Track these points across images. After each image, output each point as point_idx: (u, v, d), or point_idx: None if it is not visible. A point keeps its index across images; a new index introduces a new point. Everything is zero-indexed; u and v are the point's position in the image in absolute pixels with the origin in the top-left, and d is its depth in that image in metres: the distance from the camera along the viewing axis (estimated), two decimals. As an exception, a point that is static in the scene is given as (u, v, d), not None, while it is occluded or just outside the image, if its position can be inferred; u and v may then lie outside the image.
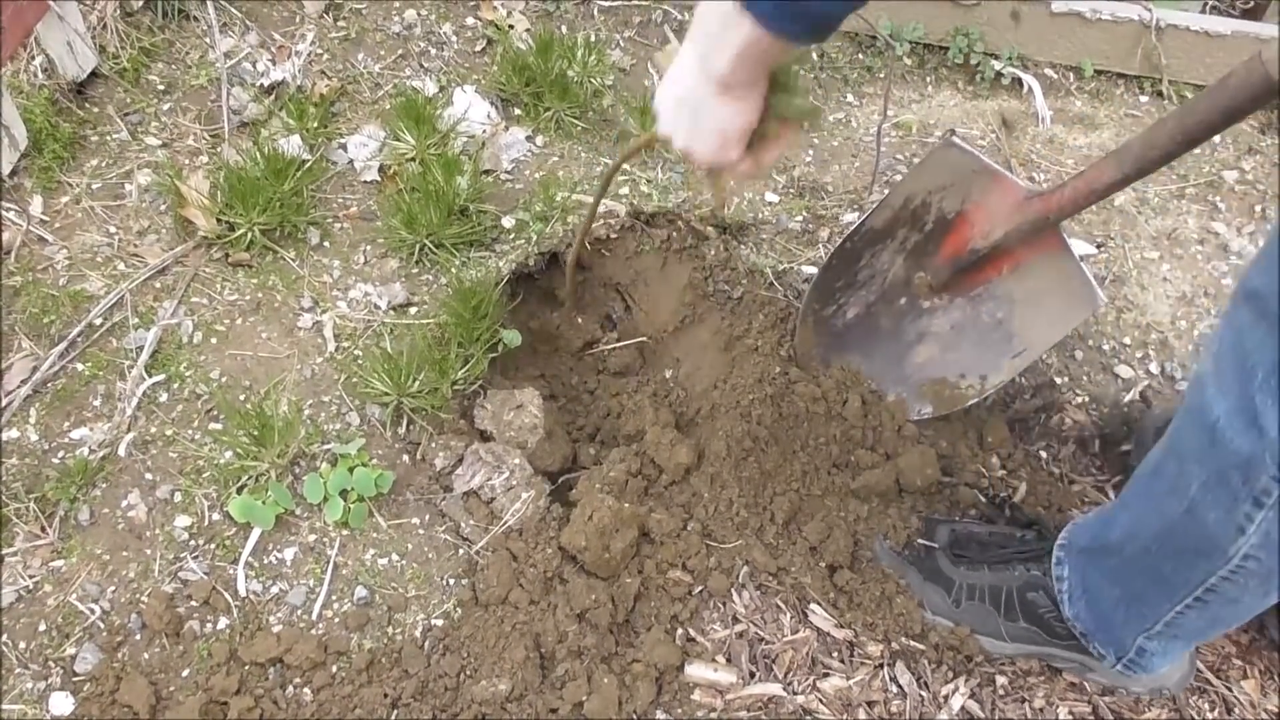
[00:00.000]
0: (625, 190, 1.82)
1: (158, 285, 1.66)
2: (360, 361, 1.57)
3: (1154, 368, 1.69)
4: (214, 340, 1.60)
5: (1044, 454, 1.59)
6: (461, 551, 1.42)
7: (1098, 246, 1.83)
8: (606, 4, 2.12)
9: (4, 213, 1.68)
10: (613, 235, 1.76)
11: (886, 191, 1.56)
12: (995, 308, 1.48)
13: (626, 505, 1.37)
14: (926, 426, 1.55)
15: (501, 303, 1.62)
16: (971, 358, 1.51)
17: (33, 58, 1.80)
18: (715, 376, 1.61)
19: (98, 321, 1.60)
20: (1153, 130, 1.23)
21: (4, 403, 1.50)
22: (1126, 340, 1.71)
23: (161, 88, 1.90)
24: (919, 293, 1.54)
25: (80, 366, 1.56)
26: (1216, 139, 2.01)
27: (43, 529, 1.41)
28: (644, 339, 1.74)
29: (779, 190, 1.88)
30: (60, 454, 1.48)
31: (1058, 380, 1.66)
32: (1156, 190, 1.93)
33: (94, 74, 1.85)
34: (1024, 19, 2.01)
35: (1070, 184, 1.33)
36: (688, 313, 1.71)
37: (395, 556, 1.42)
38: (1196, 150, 1.98)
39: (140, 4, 1.95)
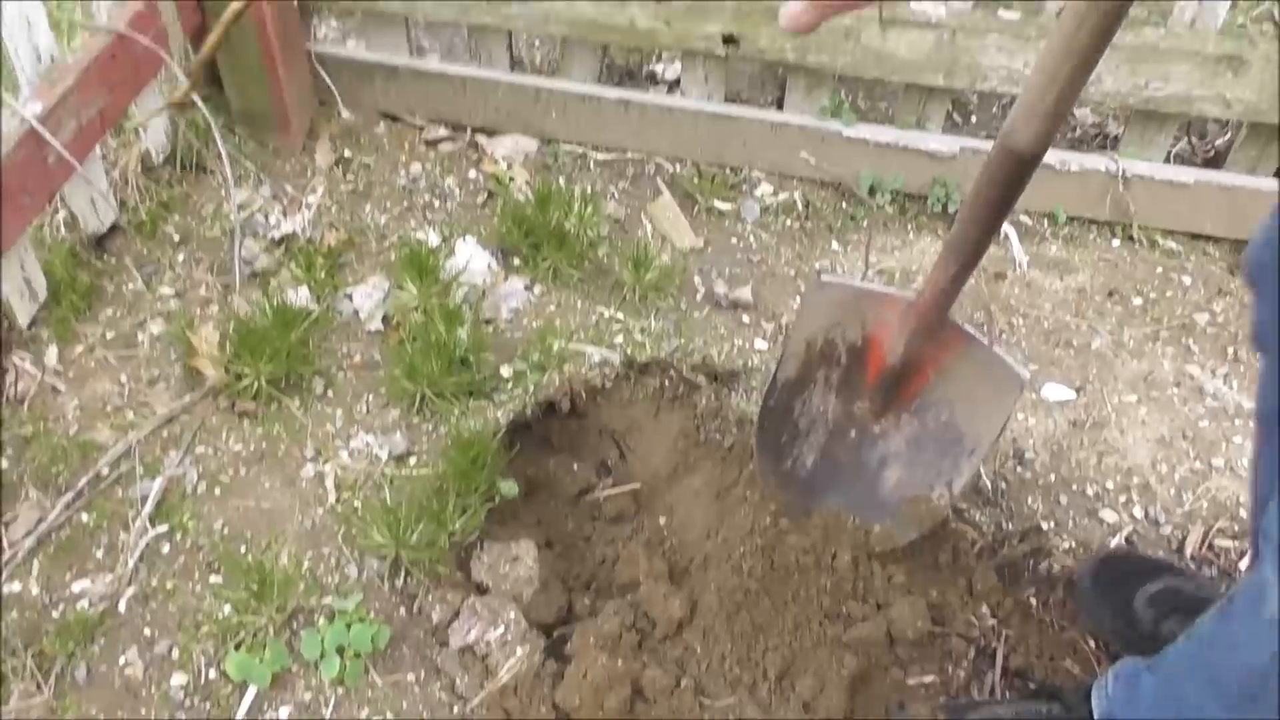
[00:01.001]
0: (620, 339, 1.81)
1: (165, 435, 1.63)
2: (360, 513, 1.54)
3: (1137, 511, 1.66)
4: (218, 491, 1.57)
5: (1034, 600, 1.55)
6: (456, 709, 1.37)
7: (1076, 391, 1.82)
8: (602, 157, 2.15)
9: (20, 364, 1.67)
10: (607, 383, 1.74)
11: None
12: (938, 412, 1.46)
13: (620, 662, 1.32)
14: (915, 574, 1.51)
15: (499, 453, 1.60)
16: (934, 467, 1.48)
17: (56, 211, 1.82)
18: (708, 526, 1.57)
19: (105, 471, 1.57)
20: (957, 224, 1.24)
21: (7, 556, 1.46)
22: (1109, 484, 1.68)
23: (177, 239, 1.91)
24: (866, 421, 1.52)
25: (85, 517, 1.53)
26: (1187, 280, 2.01)
27: (39, 686, 1.36)
28: (638, 486, 1.71)
29: (767, 337, 1.87)
30: (61, 607, 1.44)
31: (1044, 525, 1.63)
32: (1131, 333, 1.92)
33: (113, 227, 1.86)
34: (998, 171, 2.02)
35: (926, 285, 1.33)
36: (680, 460, 1.68)
37: (389, 715, 1.36)
38: (1169, 293, 1.99)
39: (161, 160, 1.97)
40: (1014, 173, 1.16)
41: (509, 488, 1.59)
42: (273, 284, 1.85)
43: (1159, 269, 2.04)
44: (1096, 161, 2.01)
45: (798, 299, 1.93)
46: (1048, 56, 1.08)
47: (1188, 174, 1.99)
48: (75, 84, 1.57)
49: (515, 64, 2.17)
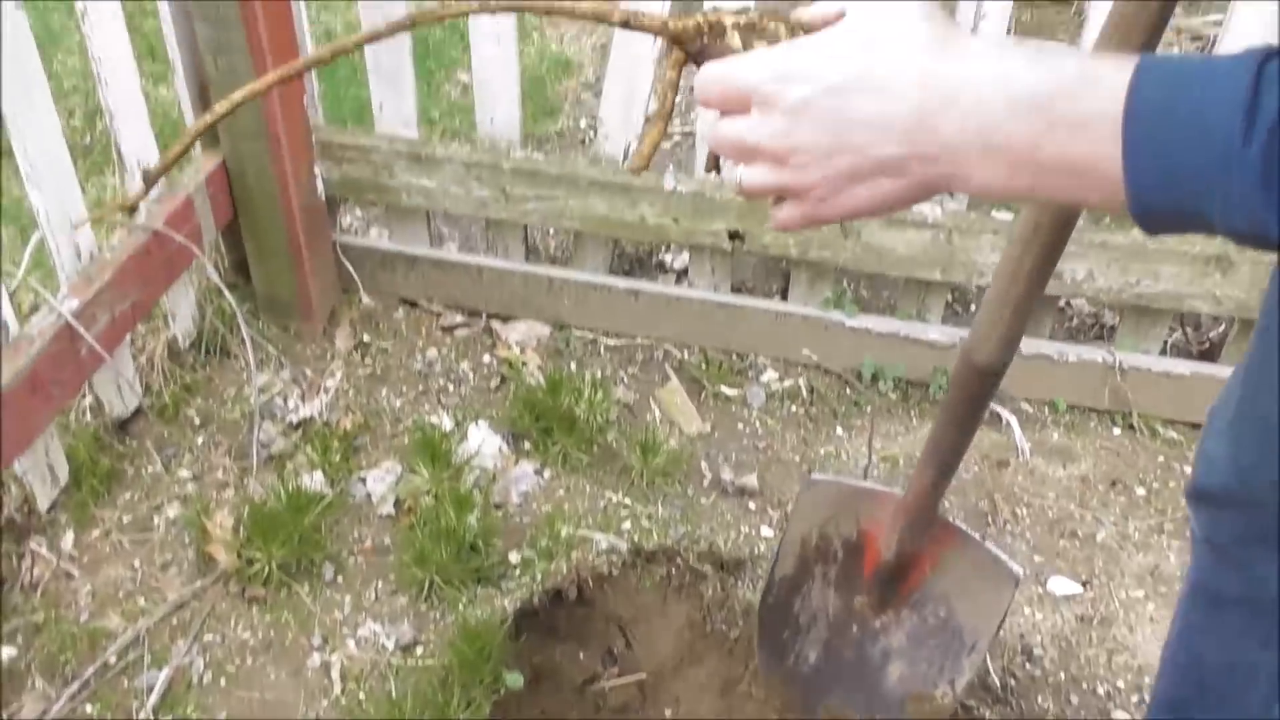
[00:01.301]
0: (627, 525, 1.82)
1: (175, 621, 1.64)
2: (364, 705, 1.52)
3: (1148, 711, 1.64)
4: (224, 681, 1.57)
5: (1046, 804, 1.51)
6: None
7: (1083, 584, 1.81)
8: (613, 343, 2.21)
9: (37, 549, 1.69)
10: (614, 571, 1.74)
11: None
12: (936, 608, 1.45)
13: None
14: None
15: (505, 643, 1.59)
16: (937, 664, 1.47)
17: (83, 397, 1.87)
18: (714, 724, 1.55)
19: (112, 660, 1.57)
20: (933, 431, 1.27)
21: (9, 750, 1.45)
22: (1120, 684, 1.66)
23: (198, 422, 1.95)
24: (866, 616, 1.52)
25: (90, 708, 1.52)
26: (1189, 470, 2.02)
27: None
28: (643, 676, 1.70)
29: (773, 524, 1.88)
30: (58, 806, 1.42)
31: (1054, 725, 1.60)
32: (1136, 525, 1.93)
33: (136, 410, 1.91)
34: (998, 361, 2.07)
35: (910, 487, 1.35)
36: (686, 651, 1.68)
37: None
38: (1171, 483, 2.01)
39: (187, 345, 2.03)
40: (979, 386, 1.21)
41: (514, 679, 1.58)
42: (288, 467, 1.88)
43: (1160, 458, 2.06)
44: (1093, 353, 2.05)
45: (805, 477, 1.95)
46: (998, 279, 1.14)
47: (1184, 366, 2.04)
48: (111, 280, 1.64)
49: (530, 252, 2.26)
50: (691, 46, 0.68)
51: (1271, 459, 0.99)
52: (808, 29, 0.64)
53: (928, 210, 1.95)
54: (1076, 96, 0.54)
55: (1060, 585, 1.81)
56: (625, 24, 0.70)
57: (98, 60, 1.59)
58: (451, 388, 2.10)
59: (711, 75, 0.65)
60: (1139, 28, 0.92)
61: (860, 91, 0.59)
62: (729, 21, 0.67)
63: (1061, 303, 2.23)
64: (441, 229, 2.37)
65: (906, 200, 0.62)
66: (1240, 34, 1.69)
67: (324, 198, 2.05)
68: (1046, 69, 0.55)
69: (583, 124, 2.86)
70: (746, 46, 0.66)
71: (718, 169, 0.76)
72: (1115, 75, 0.53)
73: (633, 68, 1.94)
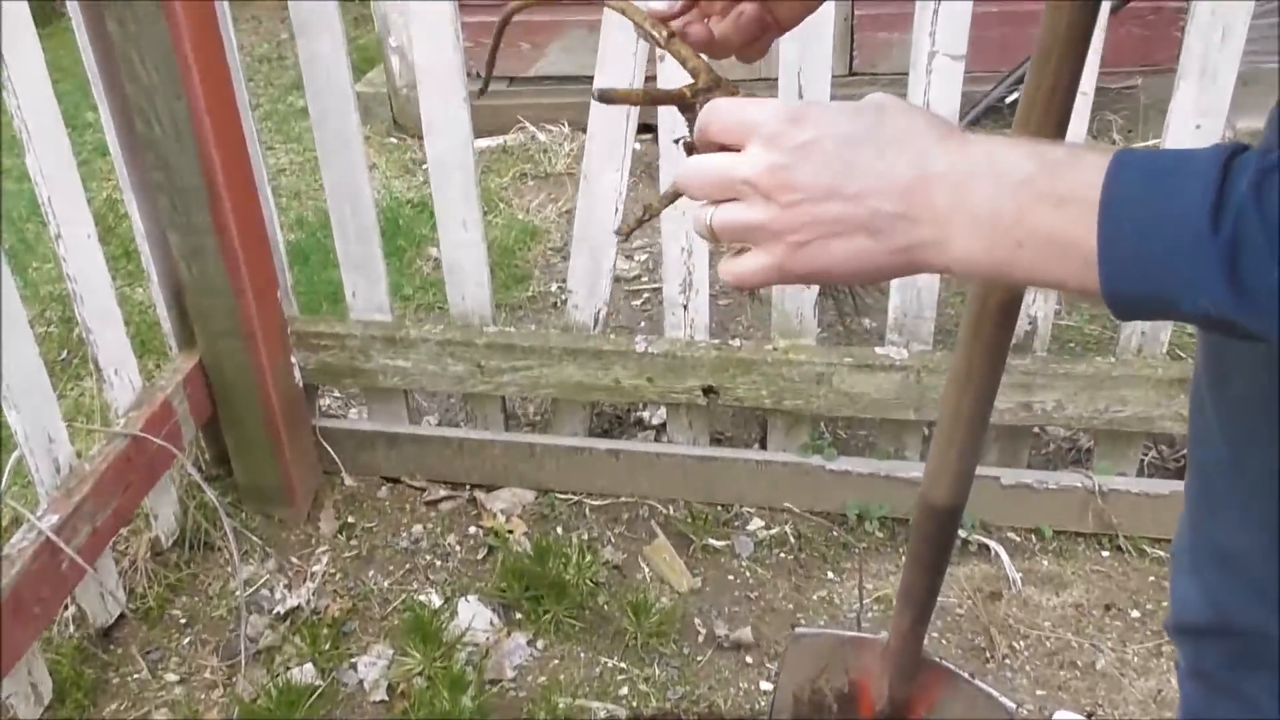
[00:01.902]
0: (625, 690, 1.78)
1: (165, 838, 1.58)
2: None
3: None
4: None
5: None
6: None
7: (1088, 716, 1.78)
8: (597, 503, 2.20)
9: (20, 772, 1.63)
10: (615, 744, 1.70)
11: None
12: None
13: None
14: None
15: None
16: None
17: (66, 608, 1.84)
18: None
19: None
20: (903, 575, 1.27)
21: None
22: (1137, 822, 1.62)
23: (183, 621, 1.92)
24: None
25: None
26: (1181, 588, 2.01)
27: None
28: None
29: (771, 678, 1.85)
30: None
31: None
32: (1134, 649, 1.90)
33: (120, 616, 1.88)
34: (978, 492, 2.08)
35: (890, 634, 1.33)
36: (694, 826, 1.62)
37: None
38: (1164, 603, 1.99)
39: (170, 543, 2.01)
40: (940, 526, 1.22)
41: None
42: (277, 660, 1.84)
43: (1151, 578, 2.04)
44: (1072, 479, 2.06)
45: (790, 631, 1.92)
46: (940, 421, 1.15)
47: (1162, 485, 2.04)
48: (91, 490, 1.64)
49: (510, 418, 2.27)
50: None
51: (1241, 593, 0.99)
52: None
53: (894, 353, 1.98)
54: (1059, 176, 0.56)
55: (1063, 716, 1.77)
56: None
57: (73, 278, 1.62)
58: (439, 563, 2.08)
59: (722, 106, 0.65)
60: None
61: (867, 145, 0.61)
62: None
63: (1036, 429, 2.25)
64: (420, 403, 2.39)
65: (880, 267, 0.62)
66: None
67: (301, 385, 2.07)
68: (1033, 152, 0.58)
69: (553, 288, 2.91)
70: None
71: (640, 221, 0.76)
72: (1096, 159, 0.56)
73: (596, 237, 1.99)
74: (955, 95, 1.79)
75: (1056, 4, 0.92)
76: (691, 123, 0.71)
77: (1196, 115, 1.74)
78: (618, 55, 1.82)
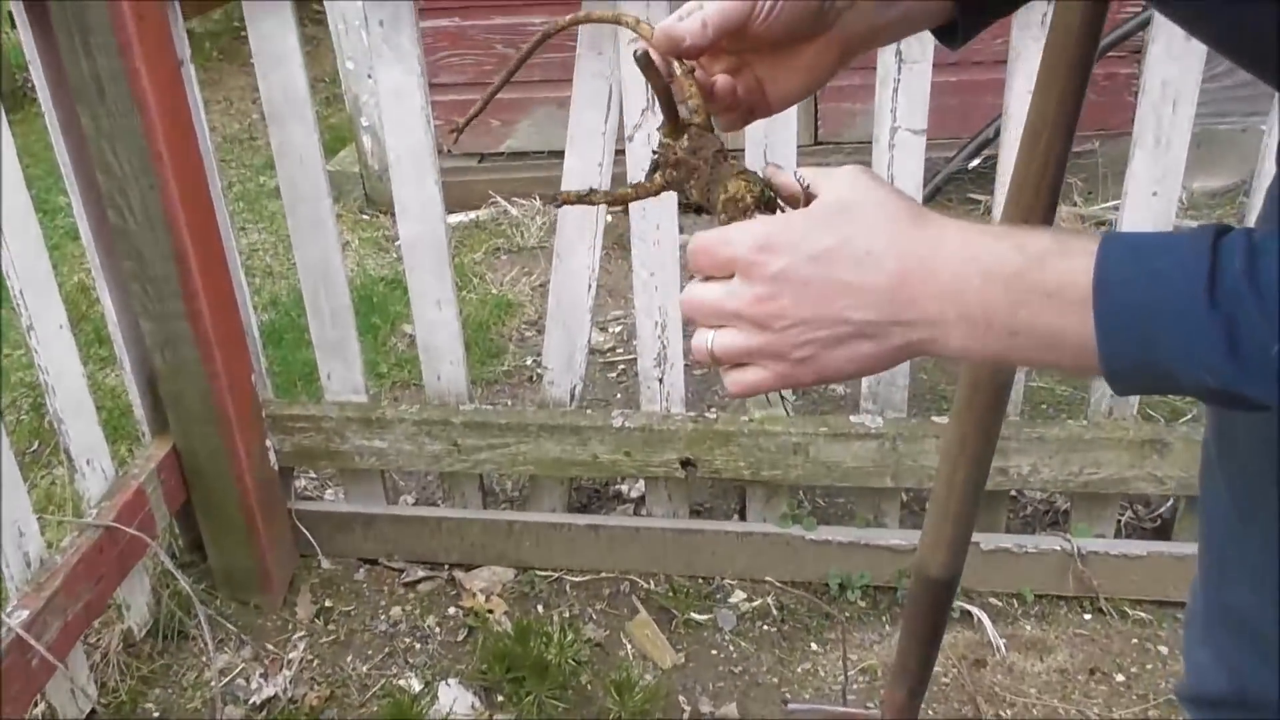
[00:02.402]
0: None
1: None
2: None
3: None
4: None
5: None
6: None
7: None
8: (578, 579, 2.18)
9: None
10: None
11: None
12: None
13: None
14: None
15: None
16: None
17: (35, 705, 1.79)
18: None
19: None
20: (899, 647, 1.26)
21: None
22: None
23: (157, 715, 1.87)
24: None
25: None
26: (1164, 650, 2.01)
27: None
28: None
29: (759, 758, 1.82)
30: None
31: None
32: (1121, 714, 1.89)
33: (91, 711, 1.83)
34: (960, 559, 2.07)
35: (884, 708, 1.33)
36: None
37: None
38: (1149, 665, 1.98)
39: (143, 634, 1.97)
40: (935, 597, 1.22)
41: None
42: (254, 755, 1.80)
43: (1134, 640, 2.04)
44: (1051, 542, 2.06)
45: (783, 708, 1.90)
46: (935, 494, 1.16)
47: (1139, 546, 2.05)
48: (62, 584, 1.61)
49: (488, 495, 2.25)
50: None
51: (1257, 661, 0.98)
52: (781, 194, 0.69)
53: (869, 421, 1.99)
54: (1047, 268, 0.57)
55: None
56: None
57: (45, 370, 1.61)
58: (418, 646, 2.05)
59: (700, 242, 0.66)
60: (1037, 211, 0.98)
61: (840, 261, 0.61)
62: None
63: (1013, 492, 2.25)
64: (398, 482, 2.37)
65: (885, 364, 0.64)
66: (1134, 218, 1.80)
67: (277, 469, 2.05)
68: (1016, 243, 0.59)
69: (529, 362, 2.92)
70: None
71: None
72: (1082, 246, 0.56)
73: (570, 314, 2.00)
74: (918, 168, 1.82)
75: (1045, 86, 0.94)
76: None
77: (1152, 182, 1.77)
78: (587, 134, 1.85)
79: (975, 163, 3.42)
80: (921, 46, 1.71)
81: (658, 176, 0.72)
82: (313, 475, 2.43)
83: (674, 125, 0.73)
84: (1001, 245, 0.59)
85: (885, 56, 1.72)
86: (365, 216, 3.89)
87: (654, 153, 0.73)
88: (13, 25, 1.59)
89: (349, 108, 3.95)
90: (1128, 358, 0.56)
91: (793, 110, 1.78)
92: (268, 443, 2.01)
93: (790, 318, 0.62)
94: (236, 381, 1.88)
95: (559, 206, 0.74)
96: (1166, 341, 0.54)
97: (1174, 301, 0.54)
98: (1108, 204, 3.27)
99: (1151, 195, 1.78)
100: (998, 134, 1.79)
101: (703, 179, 0.71)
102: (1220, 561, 0.99)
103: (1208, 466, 0.98)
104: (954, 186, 3.50)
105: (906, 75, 1.72)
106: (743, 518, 2.21)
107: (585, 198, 0.75)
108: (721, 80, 0.78)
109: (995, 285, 0.58)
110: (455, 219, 3.68)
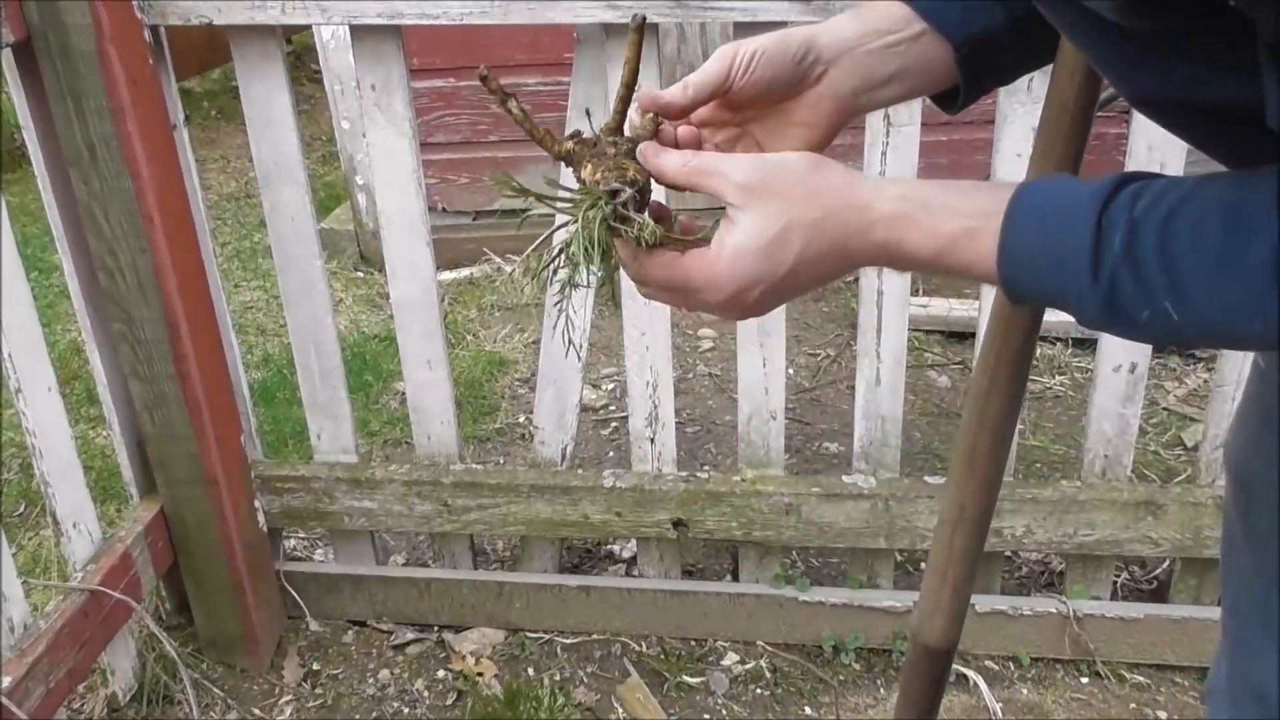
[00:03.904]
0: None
1: None
2: None
3: None
4: None
5: None
6: None
7: None
8: (568, 641, 2.15)
9: None
10: None
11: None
12: None
13: None
14: None
15: None
16: None
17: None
18: None
19: None
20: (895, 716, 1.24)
21: None
22: None
23: (138, 784, 1.84)
24: None
25: None
26: (1162, 715, 1.98)
27: None
28: None
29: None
30: None
31: None
32: (1120, 780, 1.86)
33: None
34: (954, 621, 2.05)
35: None
36: None
37: None
38: (1147, 730, 1.95)
39: (127, 699, 1.94)
40: (933, 665, 1.19)
41: None
42: (236, 824, 1.76)
43: (1132, 705, 2.01)
44: (1047, 604, 2.04)
45: (778, 778, 1.87)
46: (933, 559, 1.14)
47: (1136, 609, 2.03)
48: (46, 650, 1.58)
49: (479, 554, 2.23)
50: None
51: None
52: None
53: (862, 481, 1.98)
54: (959, 251, 0.68)
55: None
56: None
57: (32, 433, 1.60)
58: (407, 710, 2.02)
59: (651, 276, 0.75)
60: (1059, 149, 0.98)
61: (790, 277, 0.71)
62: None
63: (1007, 552, 2.24)
64: (387, 541, 2.35)
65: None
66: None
67: (265, 530, 2.03)
68: (931, 233, 0.69)
69: (521, 419, 2.91)
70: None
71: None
72: (989, 230, 0.67)
73: (562, 373, 2.00)
74: (909, 229, 1.83)
75: (1043, 155, 0.95)
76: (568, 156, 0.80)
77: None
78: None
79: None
80: (909, 110, 1.73)
81: (569, 144, 0.79)
82: (302, 535, 2.41)
83: (615, 129, 0.80)
84: (918, 233, 0.69)
85: (873, 119, 1.74)
86: (359, 274, 3.90)
87: (583, 134, 0.80)
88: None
89: (344, 166, 3.98)
90: (1027, 300, 0.71)
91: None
92: (256, 504, 2.00)
93: (751, 311, 0.74)
94: (225, 443, 1.87)
95: (483, 80, 0.80)
96: (1059, 300, 0.66)
97: (1062, 280, 0.64)
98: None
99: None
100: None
101: (600, 162, 0.77)
102: (1244, 632, 0.98)
103: (1229, 536, 0.97)
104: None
105: (895, 138, 1.73)
106: (735, 578, 2.19)
107: (504, 99, 0.81)
108: (684, 131, 0.84)
109: (919, 267, 0.71)
110: (449, 276, 3.69)
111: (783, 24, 1.65)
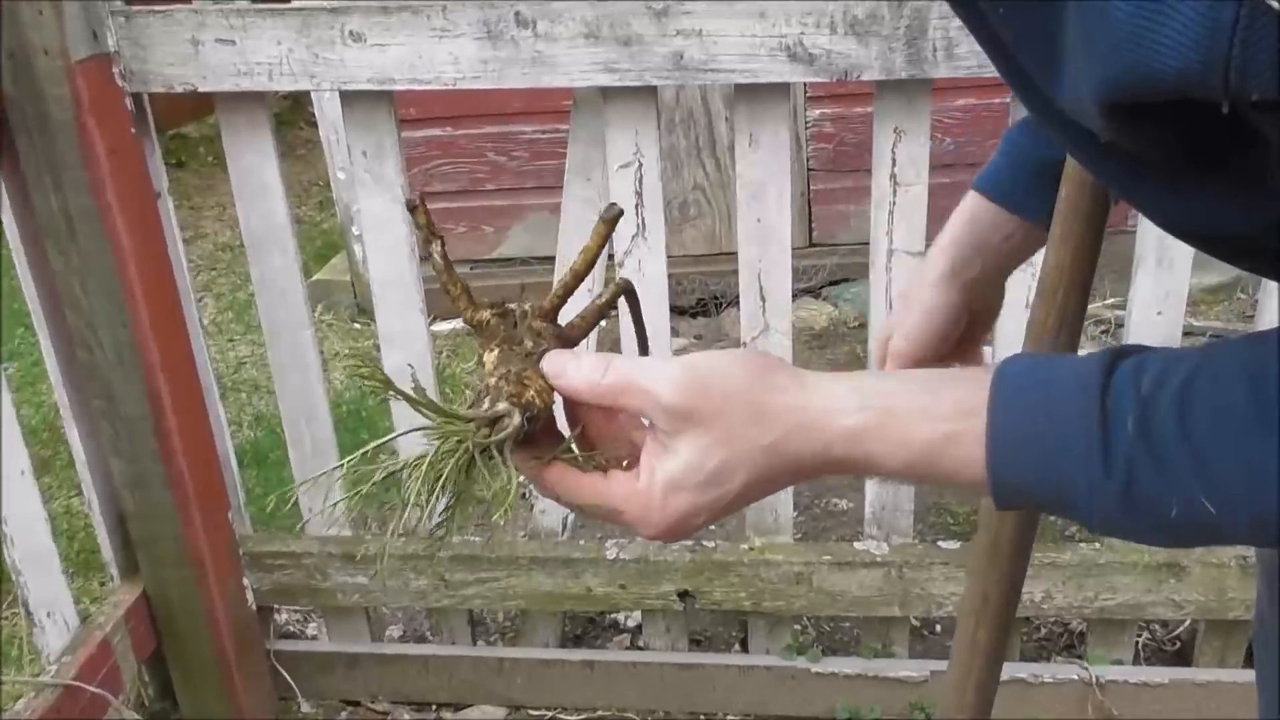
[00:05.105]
0: None
1: None
2: None
3: None
4: None
5: None
6: None
7: None
8: (571, 718, 2.06)
9: None
10: None
11: None
12: None
13: None
14: None
15: None
16: None
17: None
18: None
19: None
20: None
21: None
22: None
23: None
24: None
25: None
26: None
27: None
28: None
29: None
30: None
31: None
32: None
33: None
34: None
35: None
36: None
37: None
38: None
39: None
40: None
41: None
42: None
43: (1160, 775, 1.92)
44: (1068, 671, 1.96)
45: None
46: (956, 654, 1.07)
47: (1160, 674, 1.94)
48: (18, 752, 1.49)
49: (478, 626, 2.14)
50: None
51: None
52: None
53: (874, 548, 1.90)
54: (942, 459, 0.58)
55: None
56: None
57: (3, 519, 1.52)
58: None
59: (581, 497, 0.65)
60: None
61: (737, 501, 0.62)
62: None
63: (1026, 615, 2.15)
64: (384, 613, 2.26)
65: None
66: (1140, 337, 1.73)
67: (255, 608, 1.95)
68: (900, 438, 0.58)
69: (521, 478, 2.82)
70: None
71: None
72: (973, 434, 0.56)
73: (561, 441, 1.92)
74: (918, 289, 1.76)
75: (1062, 237, 0.89)
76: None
77: (1156, 303, 1.72)
78: (579, 232, 1.79)
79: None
80: (916, 169, 1.66)
81: (487, 313, 0.67)
82: (295, 607, 2.32)
83: (549, 313, 0.69)
84: (885, 445, 0.58)
85: (880, 178, 1.67)
86: (356, 326, 3.83)
87: (509, 305, 0.68)
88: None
89: (340, 216, 3.92)
90: (1021, 506, 0.59)
91: (786, 211, 1.71)
92: (245, 582, 1.91)
93: (691, 531, 0.63)
94: (212, 520, 1.79)
95: (411, 210, 0.68)
96: (1064, 502, 0.56)
97: (1066, 479, 0.54)
98: (1107, 301, 3.22)
99: (1156, 315, 1.72)
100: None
101: (507, 354, 0.65)
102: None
103: (1260, 619, 0.92)
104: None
105: (902, 198, 1.67)
106: (744, 648, 2.10)
107: (429, 238, 0.68)
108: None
109: (884, 471, 0.60)
110: (447, 326, 3.62)
111: (784, 86, 1.60)
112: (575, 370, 0.64)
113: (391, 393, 0.64)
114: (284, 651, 2.03)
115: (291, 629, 2.23)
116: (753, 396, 0.60)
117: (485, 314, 0.66)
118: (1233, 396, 0.50)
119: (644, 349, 0.79)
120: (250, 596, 1.92)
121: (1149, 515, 0.53)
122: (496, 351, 0.65)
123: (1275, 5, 0.36)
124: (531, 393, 0.63)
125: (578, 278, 0.69)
